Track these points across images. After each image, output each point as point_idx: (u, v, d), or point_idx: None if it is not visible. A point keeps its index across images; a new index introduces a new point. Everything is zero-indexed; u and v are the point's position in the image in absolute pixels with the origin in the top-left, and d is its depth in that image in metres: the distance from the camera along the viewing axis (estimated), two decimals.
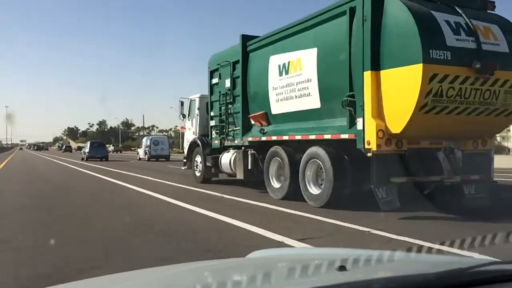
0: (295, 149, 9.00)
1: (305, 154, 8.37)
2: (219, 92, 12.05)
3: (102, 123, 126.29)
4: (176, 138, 73.48)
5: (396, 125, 6.66)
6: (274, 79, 9.52)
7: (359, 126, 7.04)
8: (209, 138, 12.88)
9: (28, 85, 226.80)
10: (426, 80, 6.17)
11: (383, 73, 6.75)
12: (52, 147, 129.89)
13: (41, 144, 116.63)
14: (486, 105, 6.72)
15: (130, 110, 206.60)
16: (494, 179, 8.98)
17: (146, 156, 32.17)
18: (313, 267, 1.52)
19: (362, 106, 6.97)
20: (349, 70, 7.36)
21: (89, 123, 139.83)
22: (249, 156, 10.58)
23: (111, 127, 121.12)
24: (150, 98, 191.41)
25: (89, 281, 1.71)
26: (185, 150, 14.69)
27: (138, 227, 6.56)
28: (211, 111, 12.74)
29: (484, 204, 7.40)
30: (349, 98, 7.32)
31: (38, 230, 6.26)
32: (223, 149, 12.15)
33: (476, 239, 2.64)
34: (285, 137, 9.16)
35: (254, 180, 10.99)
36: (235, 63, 11.31)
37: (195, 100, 14.07)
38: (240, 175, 10.87)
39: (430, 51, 6.16)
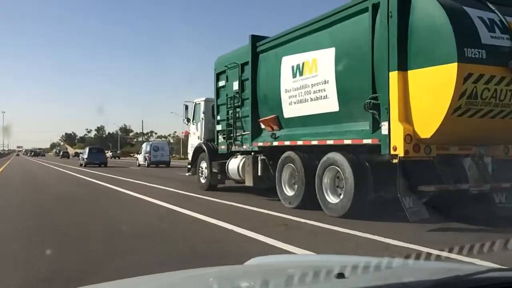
0: (310, 155, 8.51)
1: (322, 161, 7.87)
2: (226, 95, 11.57)
3: (100, 129, 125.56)
4: (176, 144, 72.89)
5: (426, 130, 6.18)
6: (287, 81, 9.05)
7: (384, 130, 6.56)
8: (215, 143, 12.38)
9: (25, 90, 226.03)
10: (460, 80, 5.71)
11: (411, 73, 6.28)
12: (49, 153, 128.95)
13: (38, 150, 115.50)
14: None
15: (128, 116, 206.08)
16: None
17: (146, 162, 31.60)
18: (311, 275, 1.50)
19: (388, 109, 6.49)
20: (372, 71, 6.89)
21: (87, 129, 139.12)
22: (259, 162, 10.08)
23: (109, 133, 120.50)
24: (149, 104, 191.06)
25: None
26: (189, 156, 14.16)
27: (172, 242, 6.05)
28: (217, 115, 12.26)
29: None
30: (372, 101, 6.85)
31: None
32: (230, 154, 11.67)
33: None
34: (300, 142, 8.66)
35: (263, 187, 10.51)
36: (243, 64, 10.84)
37: (200, 103, 13.58)
38: (249, 182, 10.36)
39: (465, 49, 5.70)
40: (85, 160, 31.78)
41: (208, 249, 5.31)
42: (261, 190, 10.56)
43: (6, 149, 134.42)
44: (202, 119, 13.32)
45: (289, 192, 8.97)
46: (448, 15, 5.79)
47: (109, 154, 57.75)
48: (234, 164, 11.22)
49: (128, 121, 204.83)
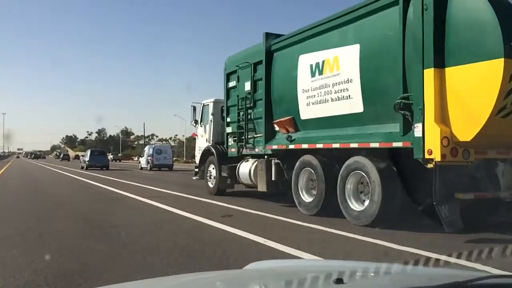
0: (331, 159, 7.99)
1: (345, 165, 7.35)
2: (237, 96, 11.08)
3: (101, 131, 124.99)
4: (179, 147, 72.31)
5: (466, 132, 5.67)
6: (304, 81, 8.54)
7: (418, 132, 6.04)
8: (225, 146, 11.88)
9: (25, 92, 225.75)
10: (507, 77, 5.21)
11: (449, 70, 5.78)
12: (49, 155, 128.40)
13: (38, 152, 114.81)
14: None
15: (129, 119, 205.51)
16: None
17: (149, 165, 31.06)
18: (310, 280, 1.51)
19: (422, 109, 5.98)
20: (403, 68, 6.38)
21: (88, 131, 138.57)
22: (273, 166, 9.56)
23: (110, 136, 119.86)
24: (149, 107, 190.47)
25: None
26: (197, 159, 13.65)
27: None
28: (227, 116, 11.76)
29: None
30: (403, 101, 6.33)
31: None
32: (240, 158, 11.17)
33: None
34: (319, 145, 8.15)
35: (275, 193, 10.00)
36: (256, 64, 10.35)
37: (208, 105, 13.07)
38: (262, 187, 9.84)
39: None
40: (87, 162, 31.27)
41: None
42: (271, 195, 10.04)
43: (7, 151, 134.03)
44: (211, 121, 12.81)
45: (307, 198, 8.45)
46: (493, 7, 5.30)
47: (110, 156, 57.21)
48: (245, 168, 10.71)
49: (129, 124, 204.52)
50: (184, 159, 53.32)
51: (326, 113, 8.00)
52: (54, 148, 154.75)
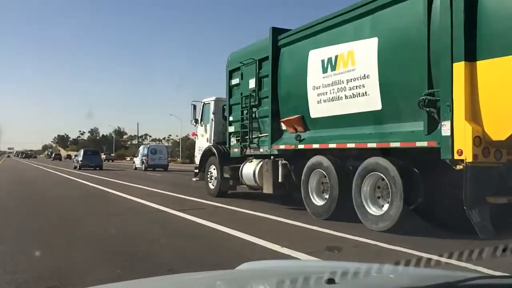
0: (345, 159, 7.54)
1: (361, 166, 6.89)
2: (241, 94, 10.59)
3: (94, 131, 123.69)
4: (175, 147, 71.56)
5: (500, 131, 5.24)
6: (315, 77, 8.08)
7: (446, 131, 5.59)
8: (227, 145, 11.39)
9: (17, 91, 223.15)
10: None
11: (481, 64, 5.34)
12: (40, 155, 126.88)
13: (29, 152, 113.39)
14: None
15: (121, 118, 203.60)
16: None
17: (143, 165, 30.44)
18: (301, 280, 1.50)
19: (450, 106, 5.53)
20: (428, 62, 5.94)
21: (80, 131, 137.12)
22: (280, 167, 9.09)
23: (103, 135, 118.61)
24: (142, 107, 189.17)
25: None
26: (197, 160, 13.14)
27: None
28: (229, 115, 11.27)
29: None
30: (428, 97, 5.89)
31: None
32: (243, 158, 10.69)
33: None
34: (331, 145, 7.69)
35: (280, 195, 9.52)
36: (261, 60, 9.88)
37: (209, 103, 12.57)
38: (268, 189, 9.35)
39: None
40: (80, 162, 30.57)
41: None
42: (274, 196, 9.56)
43: None
44: (212, 120, 12.32)
45: (318, 201, 7.99)
46: None
47: (103, 156, 56.43)
48: (249, 169, 10.23)
49: (122, 123, 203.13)
50: (181, 159, 52.53)
51: (340, 111, 7.55)
52: (45, 147, 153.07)
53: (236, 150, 10.87)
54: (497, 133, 5.26)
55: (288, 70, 9.03)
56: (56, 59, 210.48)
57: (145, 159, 30.36)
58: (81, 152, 32.55)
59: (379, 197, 6.76)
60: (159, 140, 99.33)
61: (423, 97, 5.92)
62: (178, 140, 68.95)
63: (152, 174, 24.87)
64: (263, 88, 9.86)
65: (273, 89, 9.31)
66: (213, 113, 12.30)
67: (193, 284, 1.65)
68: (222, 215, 8.47)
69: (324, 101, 7.88)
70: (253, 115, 10.13)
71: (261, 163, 9.73)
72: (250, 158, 10.49)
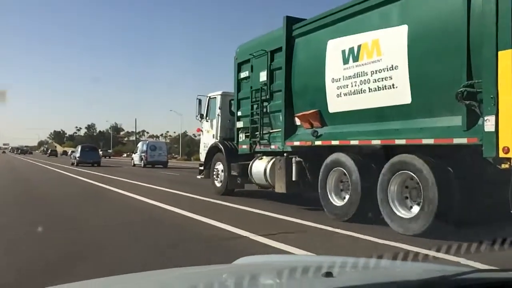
0: (368, 157, 7.03)
1: (388, 165, 6.38)
2: (251, 87, 10.06)
3: (90, 127, 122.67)
4: (174, 143, 70.88)
5: None
6: (334, 69, 7.55)
7: (489, 127, 5.08)
8: (235, 142, 10.86)
9: (11, 85, 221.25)
10: None
11: None
12: (36, 151, 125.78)
13: (25, 148, 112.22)
14: None
15: (119, 114, 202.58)
16: None
17: (142, 162, 29.81)
18: (299, 273, 1.52)
19: (495, 98, 5.02)
20: (467, 51, 5.41)
21: (77, 127, 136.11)
22: (294, 164, 8.57)
23: (100, 131, 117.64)
24: (139, 103, 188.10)
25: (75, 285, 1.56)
26: (202, 156, 12.60)
27: None
28: (238, 110, 10.74)
29: None
30: (467, 89, 5.38)
31: None
32: (252, 155, 10.17)
33: None
34: (354, 142, 7.16)
35: (292, 193, 9.02)
36: (274, 52, 9.35)
37: (215, 98, 12.03)
38: (280, 188, 8.83)
39: None
40: (77, 159, 29.93)
41: None
42: (283, 195, 9.05)
43: None
44: (218, 115, 11.79)
45: (337, 202, 7.48)
46: None
47: (100, 153, 55.76)
48: (259, 167, 9.70)
49: (118, 119, 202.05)
50: (180, 156, 51.83)
51: (363, 105, 7.03)
52: (41, 143, 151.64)
53: (244, 146, 10.35)
54: None
55: (303, 62, 8.50)
56: (52, 53, 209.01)
57: (144, 156, 29.74)
58: (79, 148, 31.89)
59: (406, 197, 6.25)
60: (157, 136, 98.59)
61: (461, 89, 5.41)
62: (176, 137, 68.35)
63: (157, 172, 24.23)
64: (275, 81, 9.34)
65: (287, 82, 8.78)
66: (219, 108, 11.77)
67: (191, 278, 1.65)
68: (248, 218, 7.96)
69: (345, 94, 7.36)
70: (264, 110, 9.61)
71: (273, 160, 9.21)
72: (259, 155, 9.98)
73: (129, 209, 9.06)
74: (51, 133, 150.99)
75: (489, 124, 5.06)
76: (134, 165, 31.40)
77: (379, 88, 6.67)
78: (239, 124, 10.65)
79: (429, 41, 5.98)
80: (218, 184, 11.38)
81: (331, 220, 7.14)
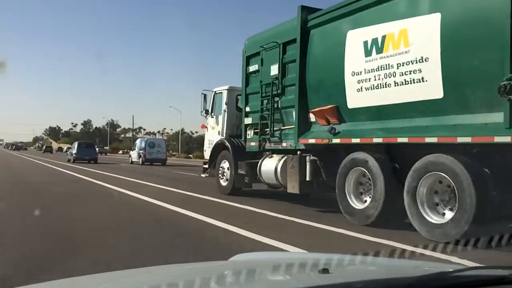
0: (392, 156, 6.55)
1: (417, 165, 5.88)
2: (260, 81, 9.55)
3: (87, 123, 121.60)
4: (172, 140, 70.25)
5: None
6: (355, 62, 7.05)
7: None
8: (242, 139, 10.35)
9: (5, 80, 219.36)
10: None
11: None
12: (31, 147, 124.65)
13: (19, 144, 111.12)
14: None
15: (115, 110, 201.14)
16: None
17: (140, 159, 29.19)
18: (296, 270, 1.53)
19: None
20: (510, 41, 4.93)
21: (73, 123, 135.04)
22: (308, 163, 8.06)
23: (96, 128, 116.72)
24: (136, 100, 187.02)
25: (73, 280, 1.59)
26: (206, 154, 12.08)
27: None
28: (246, 106, 10.23)
29: None
30: (510, 82, 4.89)
31: None
32: (260, 153, 9.68)
33: None
34: (377, 140, 6.67)
35: (302, 194, 8.53)
36: (286, 44, 8.84)
37: (221, 93, 11.50)
38: (293, 188, 8.32)
39: None
40: (74, 155, 29.27)
41: None
42: (296, 196, 8.58)
43: None
44: (224, 111, 11.26)
45: (357, 205, 6.98)
46: None
47: (96, 149, 55.11)
48: (269, 165, 9.19)
49: (115, 116, 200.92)
50: (179, 153, 51.16)
51: (387, 100, 6.52)
52: (36, 139, 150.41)
53: (253, 144, 9.84)
54: None
55: (319, 54, 7.99)
56: (48, 50, 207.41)
57: (142, 153, 29.11)
58: (75, 144, 31.24)
59: (437, 204, 5.76)
60: (153, 133, 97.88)
61: (504, 83, 4.92)
62: (172, 134, 67.71)
63: (158, 169, 23.64)
64: (287, 75, 8.83)
65: (301, 76, 8.26)
66: (225, 104, 11.24)
67: (187, 274, 1.64)
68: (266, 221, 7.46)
69: (367, 89, 6.85)
70: (275, 105, 9.10)
71: (285, 158, 8.70)
72: (269, 153, 9.48)
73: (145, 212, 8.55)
74: (46, 129, 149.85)
75: None
76: (132, 162, 30.77)
77: (406, 82, 6.17)
78: (247, 120, 10.14)
79: (465, 30, 5.48)
80: (223, 183, 10.87)
81: (353, 225, 6.64)
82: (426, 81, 5.91)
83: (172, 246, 5.19)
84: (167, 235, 5.97)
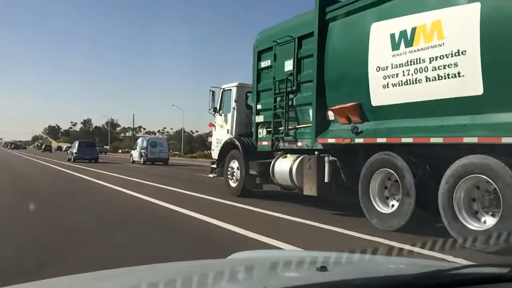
0: (423, 157, 6.08)
1: (455, 167, 5.41)
2: (273, 78, 9.09)
3: (86, 122, 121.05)
4: (174, 140, 69.76)
5: None
6: (380, 56, 6.58)
7: None
8: (253, 138, 9.90)
9: (5, 79, 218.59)
10: None
11: None
12: (30, 146, 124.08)
13: (18, 143, 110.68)
14: None
15: (115, 109, 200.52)
16: None
17: (142, 159, 28.68)
18: (294, 267, 1.55)
19: None
20: None
21: (72, 122, 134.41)
22: (327, 164, 7.59)
23: (96, 127, 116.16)
24: (136, 99, 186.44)
25: (72, 278, 1.59)
26: (214, 153, 11.62)
27: None
28: (257, 103, 9.77)
29: None
30: None
31: None
32: (272, 153, 9.22)
33: None
34: (406, 140, 6.20)
35: (319, 196, 8.07)
36: (302, 38, 8.39)
37: (230, 90, 11.04)
38: (310, 190, 7.85)
39: None
40: (74, 154, 28.77)
41: None
42: (311, 198, 8.14)
43: None
44: (234, 108, 10.80)
45: (383, 209, 6.52)
46: None
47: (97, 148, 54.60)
48: (283, 166, 8.73)
49: (114, 115, 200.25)
50: (182, 151, 50.62)
51: (418, 97, 6.06)
52: (36, 138, 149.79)
53: (265, 143, 9.39)
54: None
55: (339, 49, 7.53)
56: (47, 48, 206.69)
57: (144, 152, 28.61)
58: (76, 144, 30.73)
59: (476, 213, 5.30)
60: (154, 132, 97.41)
61: None
62: (173, 134, 67.24)
63: (162, 169, 23.11)
64: (303, 71, 8.37)
65: (319, 72, 7.80)
66: (235, 101, 10.78)
67: (185, 272, 1.62)
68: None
69: (394, 85, 6.39)
70: (290, 103, 8.64)
71: (301, 159, 8.24)
72: (282, 152, 9.01)
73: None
74: (45, 128, 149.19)
75: None
76: (133, 161, 30.26)
77: (440, 77, 5.71)
78: (259, 119, 9.68)
79: (508, 21, 5.02)
80: (233, 184, 10.41)
81: (382, 231, 6.18)
82: (463, 76, 5.45)
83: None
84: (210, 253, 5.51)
